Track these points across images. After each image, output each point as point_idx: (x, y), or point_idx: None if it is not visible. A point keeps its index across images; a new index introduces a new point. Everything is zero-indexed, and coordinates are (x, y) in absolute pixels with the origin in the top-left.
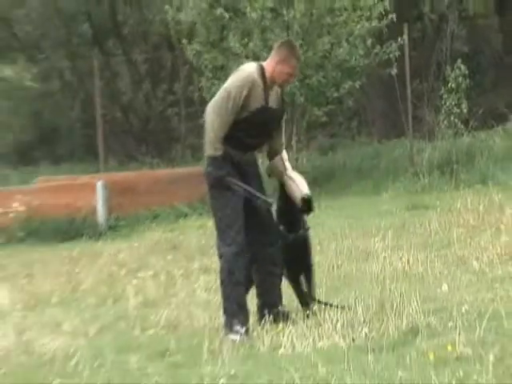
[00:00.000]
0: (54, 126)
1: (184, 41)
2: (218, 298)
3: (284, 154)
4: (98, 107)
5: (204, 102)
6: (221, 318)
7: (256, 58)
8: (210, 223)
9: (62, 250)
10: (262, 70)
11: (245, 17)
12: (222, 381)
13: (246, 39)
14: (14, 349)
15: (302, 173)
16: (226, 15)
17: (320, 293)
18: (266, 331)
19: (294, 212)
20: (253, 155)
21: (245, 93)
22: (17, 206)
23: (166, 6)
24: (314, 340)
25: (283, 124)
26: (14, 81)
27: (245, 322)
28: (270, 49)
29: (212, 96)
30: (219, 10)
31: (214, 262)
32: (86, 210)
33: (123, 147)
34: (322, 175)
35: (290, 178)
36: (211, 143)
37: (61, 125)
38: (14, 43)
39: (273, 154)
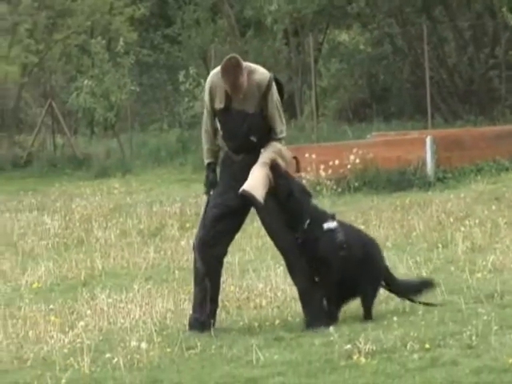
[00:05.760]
0: (386, 86)
1: (505, 9)
2: None
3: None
4: (427, 69)
5: None
6: None
7: None
8: None
9: (395, 198)
10: None
11: None
12: None
13: None
14: None
15: None
16: None
17: None
18: None
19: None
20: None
21: None
22: (353, 159)
23: None
24: None
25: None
26: (349, 45)
27: None
28: None
29: None
30: None
31: None
32: (415, 162)
33: (448, 106)
34: None
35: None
36: None
37: (391, 85)
38: (350, 11)
39: None
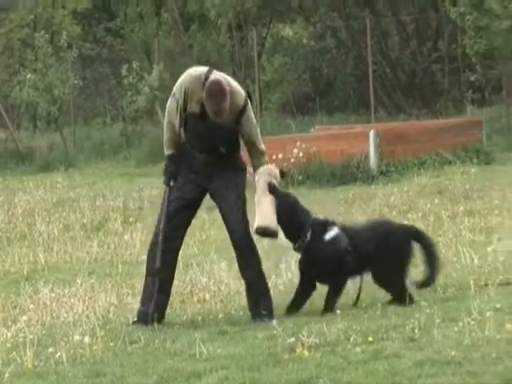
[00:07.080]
0: (329, 80)
1: (447, 3)
2: (482, 239)
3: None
4: (370, 63)
5: (466, 59)
6: None
7: None
8: (473, 170)
9: (338, 192)
10: None
11: None
12: (488, 313)
13: (505, 1)
14: None
15: None
16: None
17: None
18: None
19: None
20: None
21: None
22: (296, 152)
23: None
24: None
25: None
26: (292, 40)
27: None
28: None
29: (476, 53)
30: None
31: (479, 205)
32: (359, 156)
33: (391, 100)
34: None
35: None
36: None
37: (335, 79)
38: (293, 5)
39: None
